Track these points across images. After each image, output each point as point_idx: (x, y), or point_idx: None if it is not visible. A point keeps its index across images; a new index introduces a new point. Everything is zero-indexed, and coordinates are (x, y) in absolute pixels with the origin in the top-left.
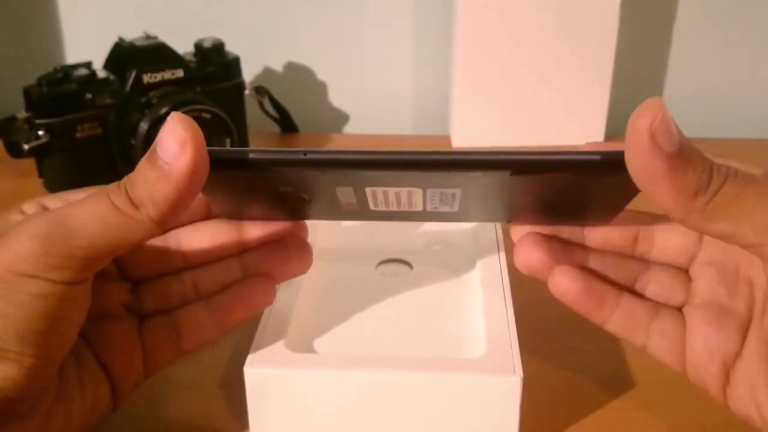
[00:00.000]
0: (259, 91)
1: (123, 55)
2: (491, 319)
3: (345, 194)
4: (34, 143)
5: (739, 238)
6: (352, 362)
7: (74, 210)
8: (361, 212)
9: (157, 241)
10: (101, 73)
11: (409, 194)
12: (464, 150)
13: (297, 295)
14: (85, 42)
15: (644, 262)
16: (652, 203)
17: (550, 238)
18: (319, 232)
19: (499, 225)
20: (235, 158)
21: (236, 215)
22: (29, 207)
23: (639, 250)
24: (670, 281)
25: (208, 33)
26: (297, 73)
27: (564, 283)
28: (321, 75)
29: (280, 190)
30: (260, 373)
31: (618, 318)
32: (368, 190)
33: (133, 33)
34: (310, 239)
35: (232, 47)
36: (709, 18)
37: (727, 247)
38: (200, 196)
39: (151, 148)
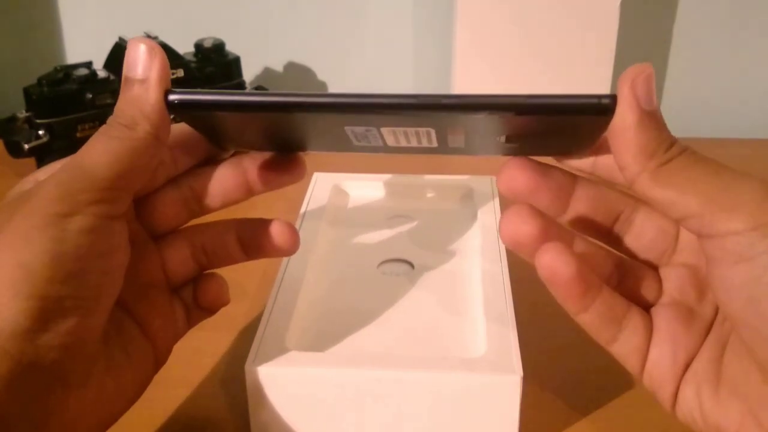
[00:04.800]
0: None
1: (123, 55)
2: (492, 319)
3: (357, 132)
4: (35, 143)
5: (680, 207)
6: (353, 361)
7: (83, 154)
8: (375, 147)
9: (173, 192)
10: (101, 73)
11: (421, 133)
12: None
13: (298, 294)
14: (86, 42)
15: (619, 255)
16: None
17: (540, 213)
18: (322, 230)
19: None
20: (220, 101)
21: (234, 146)
22: (40, 175)
23: (616, 230)
24: (642, 278)
25: (208, 33)
26: (297, 73)
27: (556, 265)
28: (321, 75)
29: (278, 128)
30: (261, 371)
31: (598, 308)
32: (382, 130)
33: (133, 33)
34: (311, 239)
35: (232, 47)
36: (710, 18)
37: (700, 251)
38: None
39: (123, 77)
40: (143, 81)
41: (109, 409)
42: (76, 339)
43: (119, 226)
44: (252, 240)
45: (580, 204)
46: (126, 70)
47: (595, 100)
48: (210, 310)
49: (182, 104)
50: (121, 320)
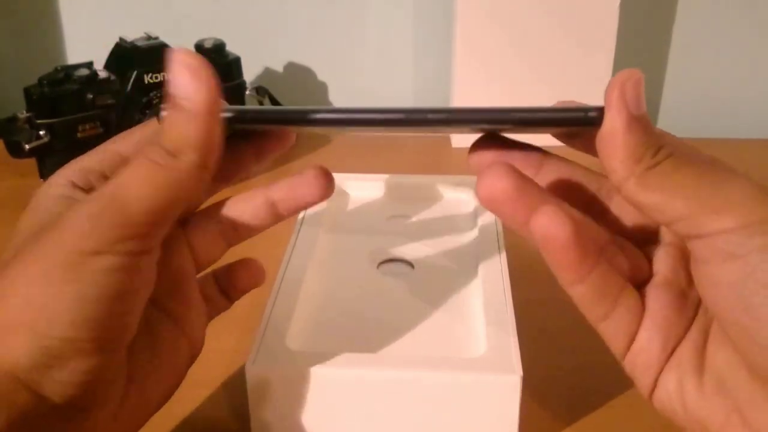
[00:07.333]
0: (260, 91)
1: (124, 56)
2: (491, 319)
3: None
4: (35, 143)
5: (668, 211)
6: (353, 361)
7: (121, 182)
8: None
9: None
10: (102, 74)
11: None
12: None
13: (299, 295)
14: (86, 42)
15: (608, 232)
16: None
17: (519, 173)
18: (322, 230)
19: (500, 226)
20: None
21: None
22: (68, 176)
23: (597, 203)
24: (633, 256)
25: (208, 33)
26: (297, 73)
27: (552, 227)
28: (321, 75)
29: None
30: (262, 371)
31: (594, 280)
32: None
33: (134, 33)
34: (311, 239)
35: (232, 48)
36: (710, 18)
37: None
38: None
39: (170, 94)
40: (191, 104)
41: (134, 417)
42: (95, 377)
43: (148, 261)
44: (288, 195)
45: (554, 179)
46: (173, 88)
47: (581, 114)
48: (237, 296)
49: (238, 120)
50: (154, 322)
